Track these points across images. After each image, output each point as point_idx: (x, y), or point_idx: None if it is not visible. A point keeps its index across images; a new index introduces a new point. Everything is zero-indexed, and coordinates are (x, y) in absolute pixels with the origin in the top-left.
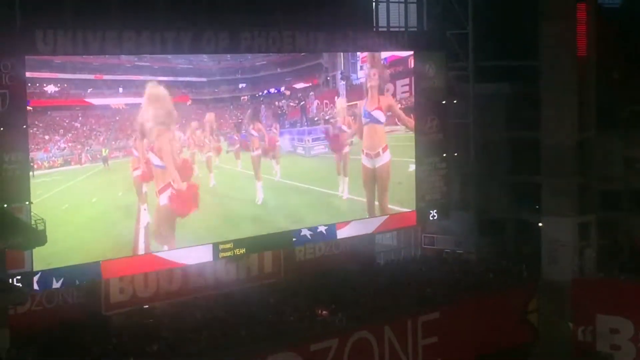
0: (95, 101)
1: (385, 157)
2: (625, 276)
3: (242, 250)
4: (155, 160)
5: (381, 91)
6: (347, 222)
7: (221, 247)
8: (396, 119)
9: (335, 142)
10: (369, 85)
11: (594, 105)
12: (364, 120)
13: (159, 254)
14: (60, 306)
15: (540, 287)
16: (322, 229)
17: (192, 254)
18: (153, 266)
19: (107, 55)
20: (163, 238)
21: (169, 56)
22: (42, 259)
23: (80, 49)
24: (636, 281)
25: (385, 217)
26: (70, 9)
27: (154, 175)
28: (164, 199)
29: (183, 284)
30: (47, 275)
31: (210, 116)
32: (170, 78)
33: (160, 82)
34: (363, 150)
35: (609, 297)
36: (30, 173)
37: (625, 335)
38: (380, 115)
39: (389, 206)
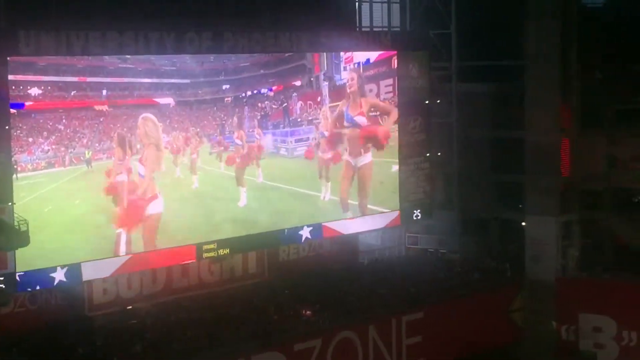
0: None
1: (367, 158)
2: (608, 275)
3: (226, 251)
4: (142, 170)
5: (362, 93)
6: (355, 217)
7: (204, 247)
8: (380, 120)
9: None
10: (349, 90)
11: (578, 105)
12: (346, 124)
13: (142, 255)
14: (44, 307)
15: (524, 286)
16: (306, 228)
17: (175, 254)
18: (135, 267)
19: (90, 58)
20: (145, 240)
21: (153, 58)
22: (25, 260)
23: (63, 49)
24: (619, 280)
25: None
26: (53, 10)
27: (137, 183)
28: (150, 209)
29: (167, 284)
30: (30, 277)
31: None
32: (154, 80)
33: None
34: (346, 150)
35: (592, 295)
36: (14, 176)
37: (609, 334)
38: (362, 121)
39: (369, 206)
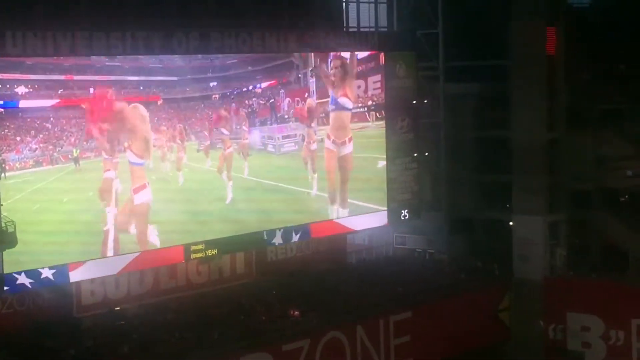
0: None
1: (350, 147)
2: (595, 274)
3: (214, 251)
4: (132, 158)
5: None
6: (362, 214)
7: (192, 248)
8: (368, 116)
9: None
10: (332, 79)
11: (564, 105)
12: (330, 107)
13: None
14: (32, 309)
15: (512, 286)
16: (294, 234)
17: (163, 256)
18: (125, 268)
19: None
20: (138, 235)
21: (140, 56)
22: (12, 260)
23: (50, 50)
24: (606, 279)
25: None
26: (39, 10)
27: (130, 173)
28: (139, 198)
29: (154, 285)
30: (17, 278)
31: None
32: (142, 78)
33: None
34: (329, 137)
35: (580, 295)
36: (2, 174)
37: (596, 333)
38: (346, 102)
39: (357, 202)
